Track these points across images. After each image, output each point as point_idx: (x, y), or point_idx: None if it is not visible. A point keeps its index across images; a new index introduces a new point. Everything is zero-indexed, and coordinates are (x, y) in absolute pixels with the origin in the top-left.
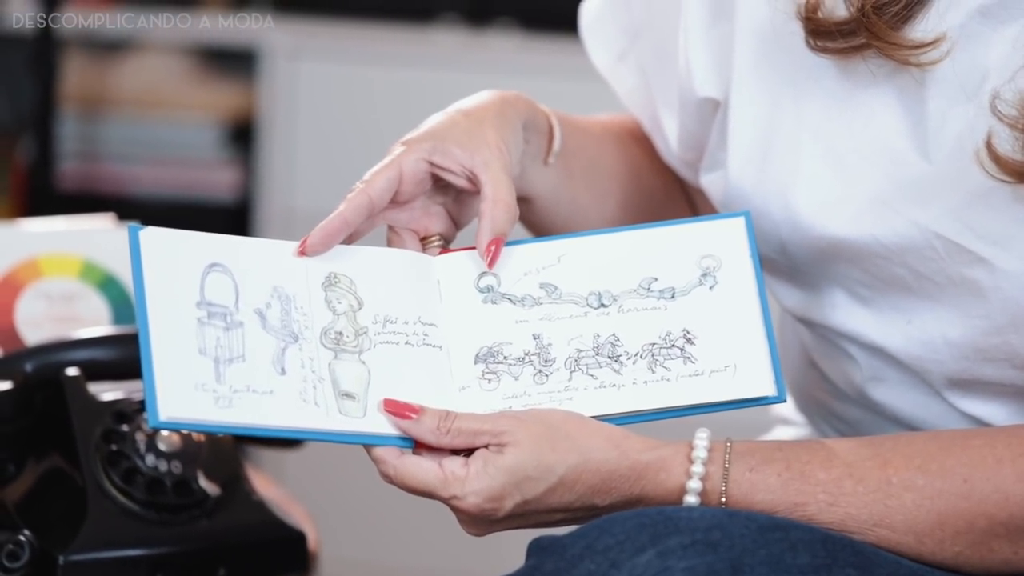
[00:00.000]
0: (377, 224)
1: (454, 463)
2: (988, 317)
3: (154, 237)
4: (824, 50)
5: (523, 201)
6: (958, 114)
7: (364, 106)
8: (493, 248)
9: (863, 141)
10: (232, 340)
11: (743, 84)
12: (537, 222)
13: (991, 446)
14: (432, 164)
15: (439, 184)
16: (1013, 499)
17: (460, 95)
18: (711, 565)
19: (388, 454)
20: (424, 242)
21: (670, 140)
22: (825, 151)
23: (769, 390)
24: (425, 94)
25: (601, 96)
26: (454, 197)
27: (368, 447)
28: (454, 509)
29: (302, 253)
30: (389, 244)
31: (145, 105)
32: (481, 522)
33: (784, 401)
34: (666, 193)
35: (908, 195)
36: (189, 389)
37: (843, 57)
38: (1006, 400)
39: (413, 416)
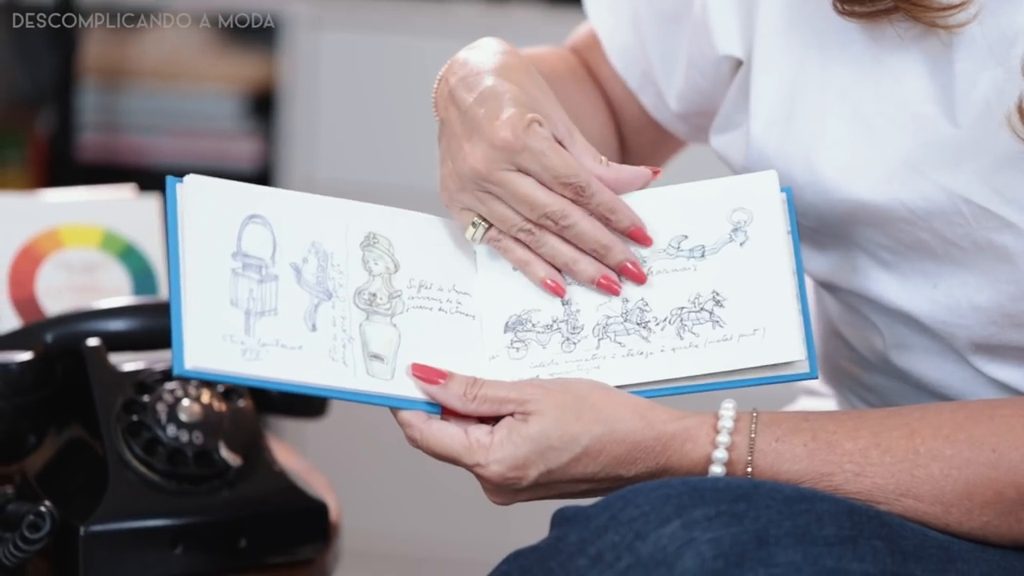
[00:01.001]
0: None
1: (480, 431)
2: (1016, 282)
3: (196, 185)
4: (851, 13)
5: None
6: (987, 78)
7: (385, 77)
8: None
9: (890, 104)
10: (265, 293)
11: (768, 45)
12: None
13: (1020, 415)
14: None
15: None
16: None
17: None
18: (736, 536)
19: (415, 418)
20: None
21: (667, 97)
22: (852, 114)
23: (798, 354)
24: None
25: None
26: None
27: (395, 410)
28: (478, 477)
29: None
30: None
31: (166, 76)
32: (505, 491)
33: (816, 377)
34: (600, 138)
35: (935, 159)
36: (217, 339)
37: (870, 20)
38: None
39: (441, 381)
